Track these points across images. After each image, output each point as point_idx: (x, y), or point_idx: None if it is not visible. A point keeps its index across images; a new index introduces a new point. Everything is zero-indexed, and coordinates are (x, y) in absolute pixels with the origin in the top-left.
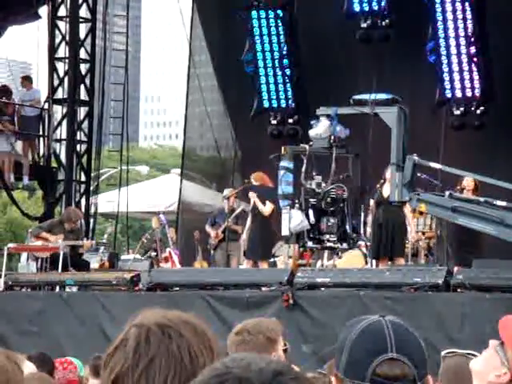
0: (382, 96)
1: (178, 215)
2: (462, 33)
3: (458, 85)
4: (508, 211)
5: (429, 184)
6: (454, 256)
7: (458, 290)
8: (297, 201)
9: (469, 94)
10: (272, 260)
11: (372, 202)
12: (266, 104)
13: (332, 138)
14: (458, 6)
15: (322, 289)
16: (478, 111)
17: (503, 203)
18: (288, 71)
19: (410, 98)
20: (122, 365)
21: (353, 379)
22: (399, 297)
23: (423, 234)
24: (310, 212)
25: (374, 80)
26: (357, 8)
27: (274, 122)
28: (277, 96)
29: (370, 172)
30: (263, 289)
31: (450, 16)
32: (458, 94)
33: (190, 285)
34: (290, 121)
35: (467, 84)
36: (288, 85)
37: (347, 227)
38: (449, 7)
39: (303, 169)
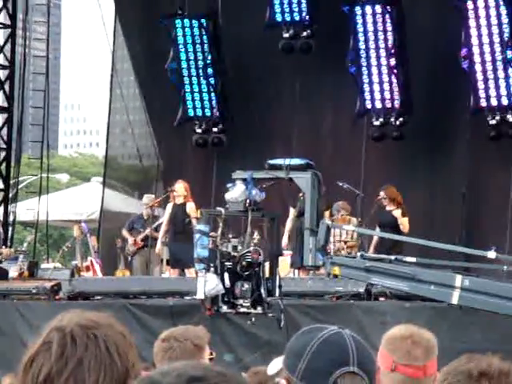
0: (297, 161)
1: (100, 224)
2: (382, 44)
3: (377, 96)
4: (418, 267)
5: (352, 194)
6: None
7: (380, 298)
8: (212, 264)
9: (388, 105)
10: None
11: (292, 210)
12: (190, 113)
13: (248, 201)
14: (379, 17)
15: None
16: (398, 122)
17: (413, 259)
18: (212, 80)
19: (332, 108)
20: (48, 369)
21: None
22: (321, 305)
23: (345, 243)
24: (226, 276)
25: (297, 89)
26: (279, 18)
27: (198, 130)
28: (201, 105)
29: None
30: (186, 297)
31: (370, 27)
32: (378, 104)
33: (112, 293)
34: (215, 129)
35: (387, 95)
36: (212, 94)
37: (262, 291)
38: (369, 19)
39: (219, 232)
